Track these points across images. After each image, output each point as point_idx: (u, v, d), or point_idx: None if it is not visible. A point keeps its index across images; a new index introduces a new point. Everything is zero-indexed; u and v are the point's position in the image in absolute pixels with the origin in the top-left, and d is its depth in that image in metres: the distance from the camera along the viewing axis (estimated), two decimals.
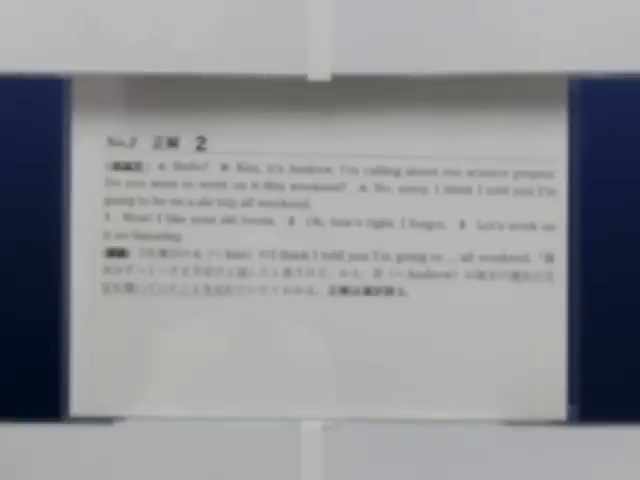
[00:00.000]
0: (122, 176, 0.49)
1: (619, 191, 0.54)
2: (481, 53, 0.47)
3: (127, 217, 0.49)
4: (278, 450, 0.48)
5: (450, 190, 0.49)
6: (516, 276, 0.49)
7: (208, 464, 0.48)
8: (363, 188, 0.49)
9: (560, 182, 0.49)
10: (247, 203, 0.49)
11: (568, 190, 0.49)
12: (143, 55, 0.47)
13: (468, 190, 0.49)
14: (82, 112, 0.49)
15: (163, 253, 0.49)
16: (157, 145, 0.49)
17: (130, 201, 0.49)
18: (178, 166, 0.49)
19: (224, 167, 0.49)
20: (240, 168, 0.49)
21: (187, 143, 0.49)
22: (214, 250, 0.49)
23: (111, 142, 0.49)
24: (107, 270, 0.49)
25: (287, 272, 0.49)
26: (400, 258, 0.49)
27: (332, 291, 0.49)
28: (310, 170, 0.49)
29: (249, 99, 0.49)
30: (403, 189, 0.49)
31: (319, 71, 0.47)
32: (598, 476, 0.48)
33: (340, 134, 0.49)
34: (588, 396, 0.49)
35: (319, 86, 0.48)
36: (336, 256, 0.49)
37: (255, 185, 0.49)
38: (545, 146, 0.49)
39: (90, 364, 0.49)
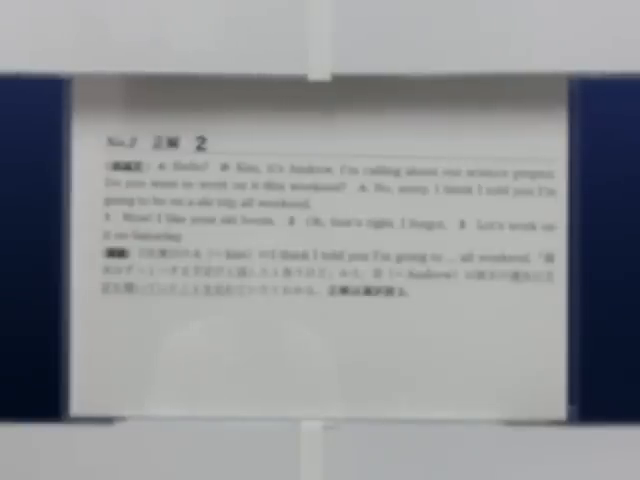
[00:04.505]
0: (122, 176, 0.49)
1: (619, 191, 0.54)
2: (481, 53, 0.47)
3: (127, 217, 0.49)
4: (278, 450, 0.48)
5: (450, 190, 0.49)
6: (516, 276, 0.49)
7: (208, 464, 0.48)
8: (363, 188, 0.49)
9: (560, 182, 0.49)
10: (247, 203, 0.49)
11: (568, 190, 0.49)
12: (143, 55, 0.47)
13: (468, 190, 0.49)
14: (82, 112, 0.49)
15: (163, 253, 0.49)
16: (157, 145, 0.49)
17: (130, 201, 0.49)
18: (178, 166, 0.49)
19: (224, 167, 0.49)
20: (240, 168, 0.49)
21: (187, 143, 0.49)
22: (214, 250, 0.49)
23: (111, 142, 0.49)
24: (107, 270, 0.49)
25: (287, 272, 0.49)
26: (400, 258, 0.49)
27: (332, 291, 0.49)
28: (310, 170, 0.49)
29: (249, 99, 0.49)
30: (403, 189, 0.49)
31: (319, 71, 0.47)
32: (598, 476, 0.48)
33: (340, 134, 0.49)
34: (588, 396, 0.49)
35: (319, 86, 0.48)
36: (336, 256, 0.49)
37: (255, 185, 0.49)
38: (545, 146, 0.49)
39: (90, 364, 0.49)
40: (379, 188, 0.49)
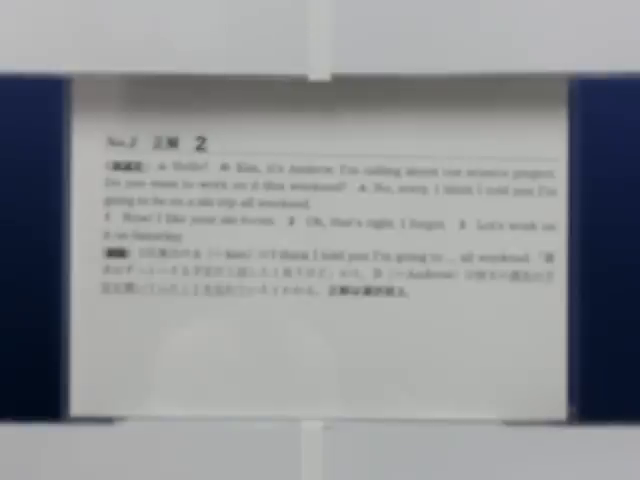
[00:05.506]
0: (122, 176, 0.49)
1: (619, 191, 0.53)
2: (481, 53, 0.47)
3: (127, 217, 0.49)
4: (278, 450, 0.48)
5: (450, 190, 0.49)
6: (516, 276, 0.49)
7: (208, 464, 0.48)
8: (363, 188, 0.49)
9: (560, 182, 0.49)
10: (247, 203, 0.49)
11: (568, 190, 0.49)
12: (143, 55, 0.47)
13: (468, 190, 0.49)
14: (82, 112, 0.49)
15: (163, 253, 0.49)
16: (157, 145, 0.49)
17: (130, 201, 0.49)
18: (178, 166, 0.49)
19: (224, 167, 0.49)
20: (240, 168, 0.49)
21: (187, 143, 0.49)
22: (214, 250, 0.49)
23: (111, 142, 0.49)
24: (107, 270, 0.49)
25: (287, 272, 0.49)
26: (400, 258, 0.49)
27: (332, 291, 0.49)
28: (310, 170, 0.49)
29: (249, 99, 0.49)
30: (403, 189, 0.49)
31: (319, 71, 0.47)
32: (598, 476, 0.48)
33: (340, 134, 0.49)
34: (588, 396, 0.49)
35: (319, 86, 0.48)
36: (336, 256, 0.49)
37: (255, 185, 0.49)
38: (545, 146, 0.49)
39: (90, 364, 0.49)
40: (379, 188, 0.49)
